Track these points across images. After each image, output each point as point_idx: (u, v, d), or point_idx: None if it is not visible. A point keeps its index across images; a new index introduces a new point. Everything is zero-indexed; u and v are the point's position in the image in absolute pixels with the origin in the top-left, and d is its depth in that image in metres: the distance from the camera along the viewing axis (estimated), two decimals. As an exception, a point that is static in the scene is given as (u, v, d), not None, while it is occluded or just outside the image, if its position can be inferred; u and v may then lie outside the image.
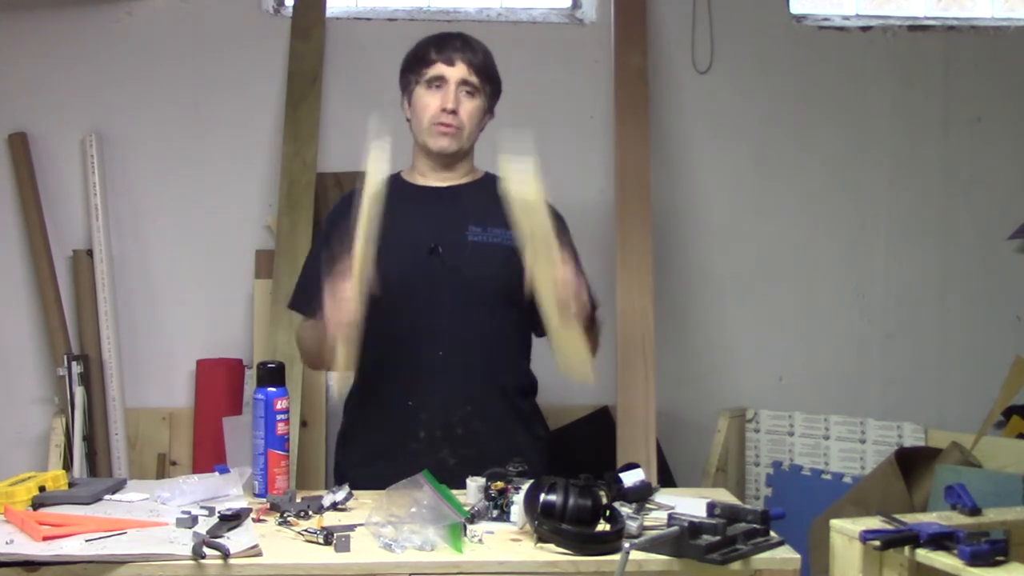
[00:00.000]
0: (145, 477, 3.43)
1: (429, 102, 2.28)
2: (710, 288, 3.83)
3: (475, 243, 2.28)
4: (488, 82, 2.32)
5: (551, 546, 1.75)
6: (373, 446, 2.29)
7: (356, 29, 3.70)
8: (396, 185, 2.37)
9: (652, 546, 1.71)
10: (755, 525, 1.77)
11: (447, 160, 2.34)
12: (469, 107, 2.29)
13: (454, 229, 2.28)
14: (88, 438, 3.46)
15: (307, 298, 2.34)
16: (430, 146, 2.30)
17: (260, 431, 2.09)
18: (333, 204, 2.64)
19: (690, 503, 1.97)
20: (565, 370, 2.15)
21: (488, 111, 2.36)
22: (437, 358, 2.26)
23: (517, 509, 1.84)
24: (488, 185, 2.36)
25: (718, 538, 1.70)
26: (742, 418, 3.63)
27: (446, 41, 2.31)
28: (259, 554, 1.70)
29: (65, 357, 3.45)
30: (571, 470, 1.89)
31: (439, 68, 2.28)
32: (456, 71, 2.27)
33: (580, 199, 3.68)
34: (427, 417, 2.25)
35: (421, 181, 2.36)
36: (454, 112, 2.27)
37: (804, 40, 3.85)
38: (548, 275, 2.05)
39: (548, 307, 2.08)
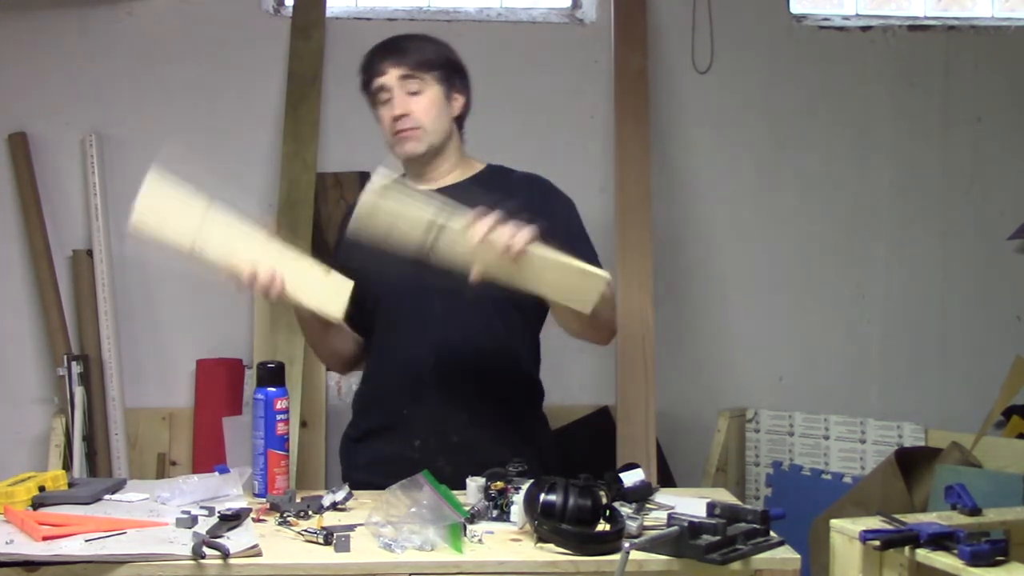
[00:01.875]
0: (145, 477, 3.43)
1: (383, 115, 2.24)
2: (710, 288, 3.83)
3: None
4: (433, 69, 2.24)
5: (551, 546, 1.75)
6: (374, 453, 2.28)
7: (356, 29, 3.70)
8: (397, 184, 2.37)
9: (652, 546, 1.71)
10: (755, 525, 1.76)
11: (424, 161, 2.27)
12: (421, 103, 2.22)
13: None
14: (88, 438, 3.46)
15: None
16: (398, 155, 2.26)
17: (260, 431, 2.09)
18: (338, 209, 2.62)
19: (690, 503, 1.97)
20: (568, 302, 2.02)
21: (452, 95, 2.26)
22: (430, 365, 2.22)
23: (517, 509, 1.84)
24: (488, 179, 2.30)
25: (718, 538, 1.70)
26: (742, 418, 3.63)
27: (375, 55, 2.26)
28: (259, 554, 1.70)
29: (65, 357, 3.45)
30: (571, 470, 1.89)
31: (375, 82, 2.23)
32: (389, 76, 2.21)
33: (580, 199, 3.65)
34: (421, 426, 2.23)
35: (417, 182, 2.32)
36: (405, 116, 2.21)
37: (804, 40, 3.85)
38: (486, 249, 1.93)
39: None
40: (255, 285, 2.09)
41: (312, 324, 2.26)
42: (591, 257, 2.19)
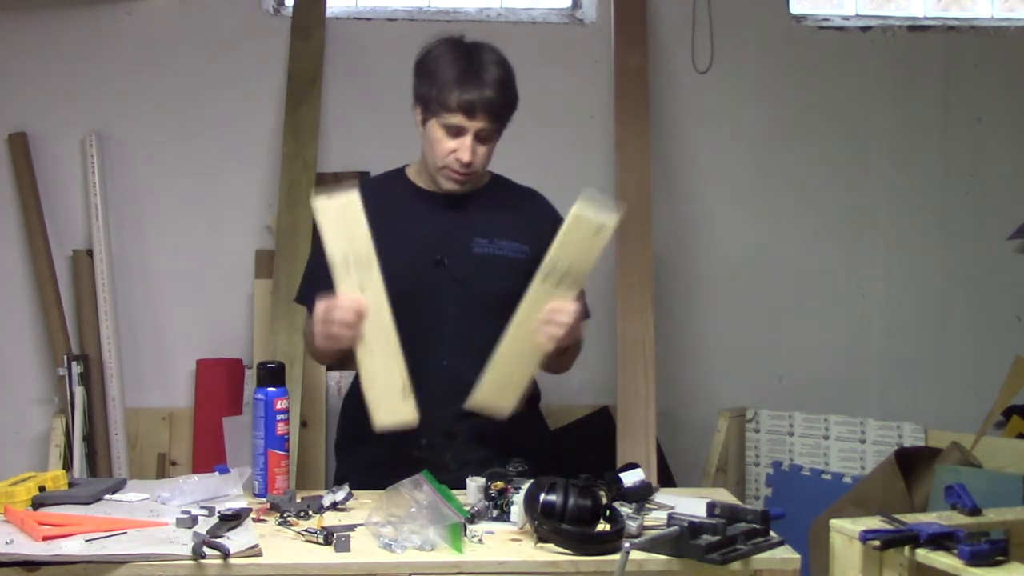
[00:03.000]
0: (145, 477, 3.43)
1: (446, 143, 2.22)
2: (710, 288, 3.83)
3: (480, 255, 2.27)
4: (507, 116, 2.25)
5: (551, 546, 1.75)
6: (375, 453, 2.28)
7: (356, 29, 3.70)
8: (402, 184, 2.36)
9: (652, 546, 1.71)
10: (755, 525, 1.77)
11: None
12: (483, 151, 2.24)
13: (460, 240, 2.27)
14: (88, 438, 3.46)
15: (311, 293, 2.36)
16: (440, 185, 2.27)
17: (260, 431, 2.09)
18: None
19: (690, 503, 1.97)
20: (485, 396, 2.13)
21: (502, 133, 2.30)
22: (441, 367, 2.25)
23: (517, 509, 1.84)
24: (494, 191, 2.36)
25: (718, 538, 1.70)
26: (742, 418, 3.63)
27: (466, 81, 2.18)
28: (259, 554, 1.70)
29: (65, 357, 3.44)
30: (571, 470, 1.89)
31: (459, 119, 2.19)
32: (476, 123, 2.19)
33: (580, 199, 3.68)
34: (429, 425, 2.24)
35: (428, 186, 2.33)
36: (470, 163, 2.22)
37: (804, 40, 3.85)
38: (550, 301, 2.09)
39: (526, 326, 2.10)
40: (343, 316, 2.08)
41: (327, 352, 2.28)
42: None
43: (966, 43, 3.90)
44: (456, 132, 2.20)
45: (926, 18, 3.95)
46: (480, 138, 2.22)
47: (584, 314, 2.36)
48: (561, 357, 2.26)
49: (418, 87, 2.26)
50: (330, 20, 3.67)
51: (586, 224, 2.08)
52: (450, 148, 2.21)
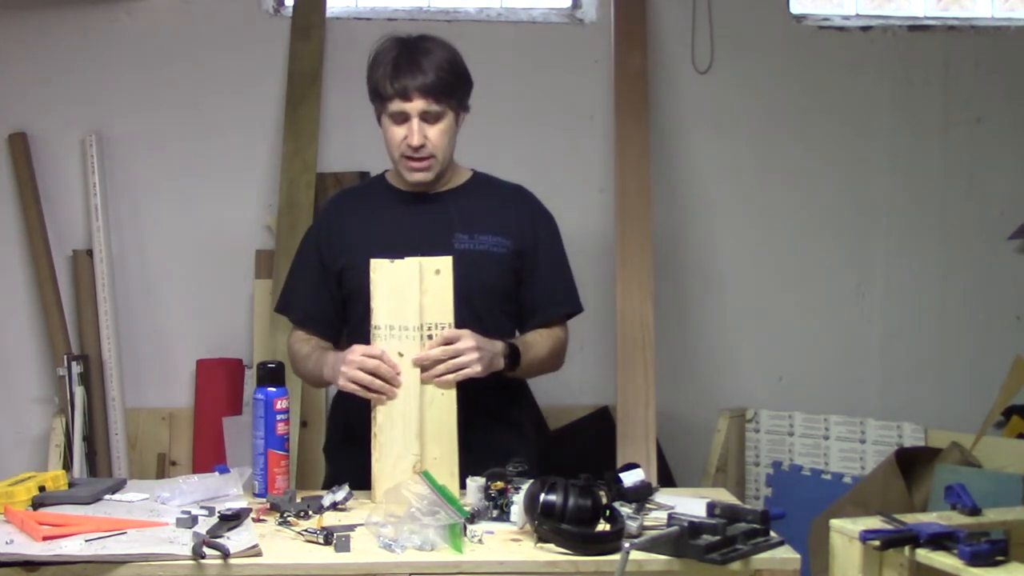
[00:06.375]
0: (145, 477, 3.43)
1: (395, 132, 2.23)
2: (710, 288, 3.83)
3: (461, 251, 2.24)
4: (451, 95, 2.23)
5: (551, 546, 1.75)
6: (362, 456, 2.27)
7: (356, 29, 3.70)
8: (380, 187, 2.37)
9: (652, 546, 1.71)
10: (755, 525, 1.77)
11: (427, 186, 2.31)
12: (435, 132, 2.22)
13: (440, 237, 2.25)
14: (88, 438, 3.46)
15: (294, 303, 2.40)
16: (406, 178, 2.27)
17: (260, 431, 2.09)
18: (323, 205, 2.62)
19: (690, 503, 1.97)
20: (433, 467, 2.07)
21: (460, 112, 2.28)
22: None
23: (517, 509, 1.84)
24: (474, 187, 2.35)
25: (718, 538, 1.70)
26: (742, 418, 3.63)
27: (399, 68, 2.20)
28: (259, 554, 1.70)
29: (65, 357, 3.45)
30: (571, 470, 1.89)
31: (397, 104, 2.20)
32: (414, 105, 2.19)
33: (580, 199, 3.68)
34: None
35: (406, 186, 2.32)
36: (421, 146, 2.22)
37: (804, 40, 3.85)
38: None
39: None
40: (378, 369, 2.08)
41: (316, 378, 2.32)
42: (569, 280, 2.35)
43: (966, 43, 3.90)
44: (401, 119, 2.21)
45: (926, 18, 3.95)
46: (427, 120, 2.21)
47: (573, 309, 2.37)
48: (518, 371, 2.25)
49: (368, 88, 2.28)
50: (330, 20, 3.68)
51: (428, 269, 2.09)
52: (400, 136, 2.22)
